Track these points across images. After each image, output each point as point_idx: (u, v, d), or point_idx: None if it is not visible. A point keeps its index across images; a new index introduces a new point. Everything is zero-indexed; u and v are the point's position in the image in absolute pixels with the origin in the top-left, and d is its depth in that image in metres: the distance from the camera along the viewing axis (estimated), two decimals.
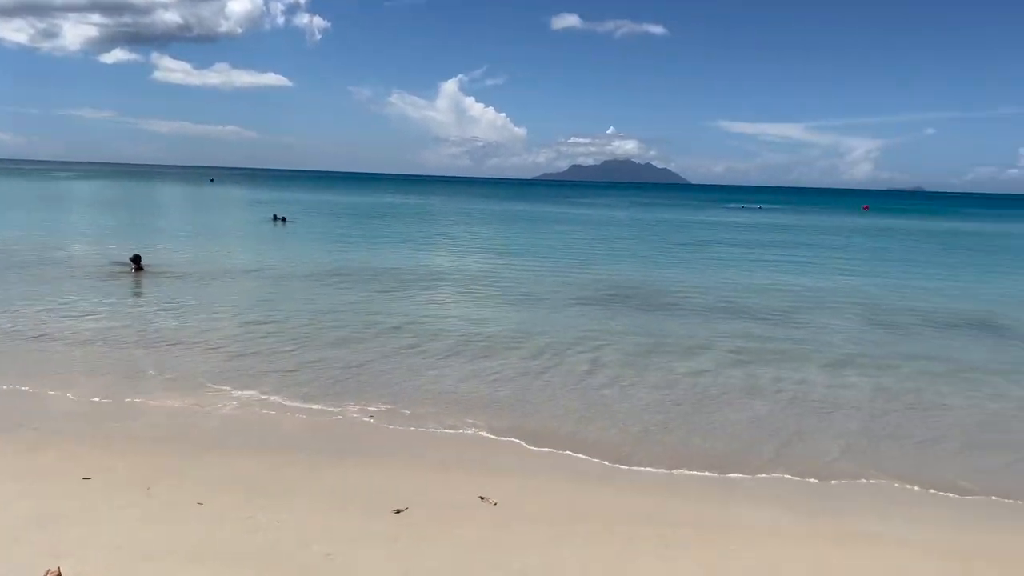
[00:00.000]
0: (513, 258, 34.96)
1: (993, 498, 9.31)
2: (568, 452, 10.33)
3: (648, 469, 9.84)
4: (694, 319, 20.54)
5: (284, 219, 51.65)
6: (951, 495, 9.36)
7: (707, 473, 9.75)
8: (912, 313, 22.68)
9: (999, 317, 22.48)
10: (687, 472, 9.76)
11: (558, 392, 13.21)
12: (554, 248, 41.04)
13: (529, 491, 8.87)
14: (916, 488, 9.51)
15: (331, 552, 6.85)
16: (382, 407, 11.97)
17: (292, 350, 15.43)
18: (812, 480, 9.68)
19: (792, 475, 9.78)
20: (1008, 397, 13.87)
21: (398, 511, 7.95)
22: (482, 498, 8.46)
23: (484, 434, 10.97)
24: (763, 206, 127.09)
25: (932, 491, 9.44)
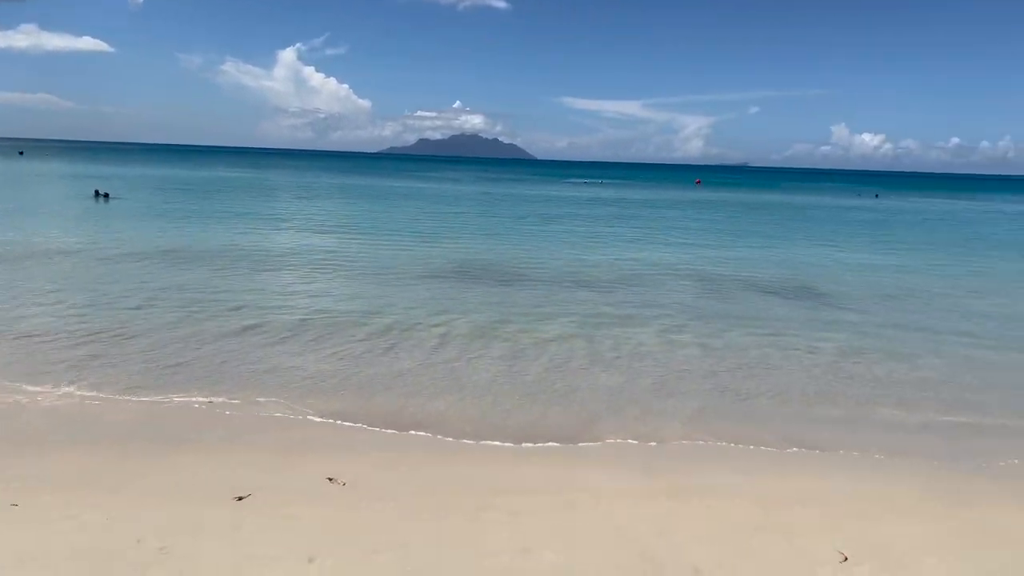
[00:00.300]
0: (358, 234, 34.25)
1: (817, 452, 10.22)
2: (416, 431, 10.29)
3: (496, 443, 10.01)
4: (540, 291, 21.02)
5: (107, 195, 47.83)
6: (773, 449, 10.18)
7: (553, 444, 10.06)
8: (739, 281, 24.38)
9: (814, 282, 24.65)
10: (533, 445, 10.02)
11: (406, 369, 13.14)
12: (401, 223, 40.57)
13: (378, 470, 8.78)
14: (744, 445, 10.28)
15: (165, 546, 6.49)
16: (220, 393, 11.42)
17: (119, 336, 14.37)
18: (652, 443, 10.22)
19: (633, 439, 10.29)
20: (822, 352, 15.24)
21: (240, 498, 7.65)
22: (330, 479, 8.30)
23: (330, 416, 10.73)
24: (604, 181, 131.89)
25: (758, 447, 10.24)
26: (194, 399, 11.12)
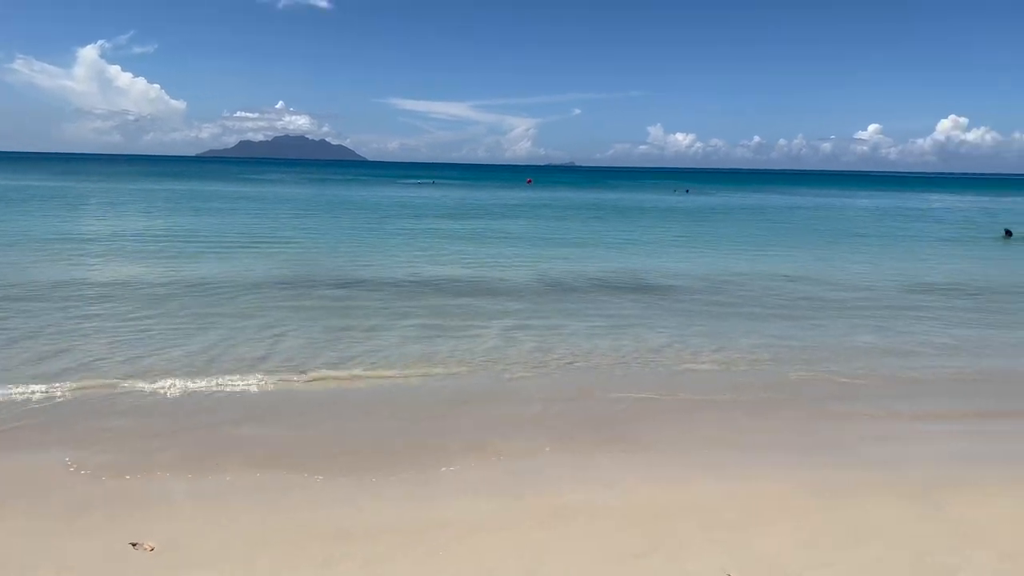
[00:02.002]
0: (174, 243, 31.13)
1: (674, 451, 9.71)
2: (242, 472, 8.72)
3: (341, 479, 8.62)
4: (377, 297, 19.72)
5: None
6: (635, 455, 9.52)
7: (407, 473, 8.86)
8: (574, 276, 24.28)
9: (640, 275, 25.03)
10: (385, 477, 8.75)
11: (224, 399, 11.43)
12: (223, 230, 37.49)
13: (197, 525, 7.27)
14: (605, 452, 9.61)
15: None
16: None
17: None
18: (515, 460, 9.28)
19: (494, 457, 9.34)
20: (654, 344, 15.14)
21: None
22: (134, 545, 6.71)
23: (128, 464, 8.91)
24: (436, 181, 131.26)
25: (617, 452, 9.59)
26: None
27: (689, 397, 12.05)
